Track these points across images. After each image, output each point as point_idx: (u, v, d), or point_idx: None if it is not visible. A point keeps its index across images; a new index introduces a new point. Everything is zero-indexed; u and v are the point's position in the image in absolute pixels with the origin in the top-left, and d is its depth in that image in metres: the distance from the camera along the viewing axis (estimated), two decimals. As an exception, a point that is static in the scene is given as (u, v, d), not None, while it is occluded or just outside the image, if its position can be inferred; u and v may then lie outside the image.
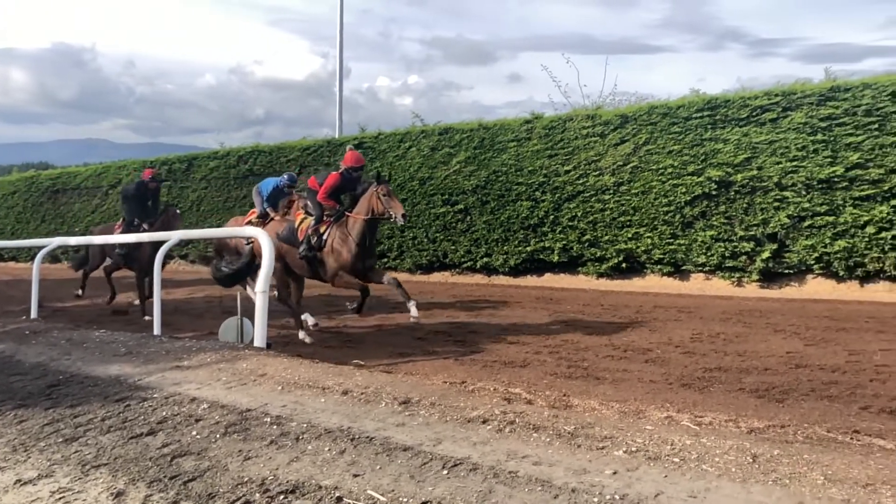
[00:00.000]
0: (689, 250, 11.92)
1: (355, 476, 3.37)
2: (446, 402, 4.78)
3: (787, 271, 11.21)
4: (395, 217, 7.30)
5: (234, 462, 3.50)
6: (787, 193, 10.95)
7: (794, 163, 10.95)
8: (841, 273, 10.69)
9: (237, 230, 8.30)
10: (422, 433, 4.12)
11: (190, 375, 5.27)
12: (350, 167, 7.76)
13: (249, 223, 9.85)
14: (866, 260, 10.45)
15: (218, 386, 4.93)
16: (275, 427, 4.06)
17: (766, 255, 11.17)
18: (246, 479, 3.26)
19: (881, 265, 10.36)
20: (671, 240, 12.06)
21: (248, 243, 8.91)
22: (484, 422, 4.44)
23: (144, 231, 9.97)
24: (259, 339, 6.32)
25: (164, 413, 4.34)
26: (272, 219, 9.69)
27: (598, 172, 12.82)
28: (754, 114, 11.45)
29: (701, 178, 11.64)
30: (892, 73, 10.83)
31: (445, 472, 3.59)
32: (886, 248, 10.26)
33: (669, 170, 11.94)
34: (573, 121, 13.42)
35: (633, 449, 3.99)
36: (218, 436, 3.89)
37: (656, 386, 5.60)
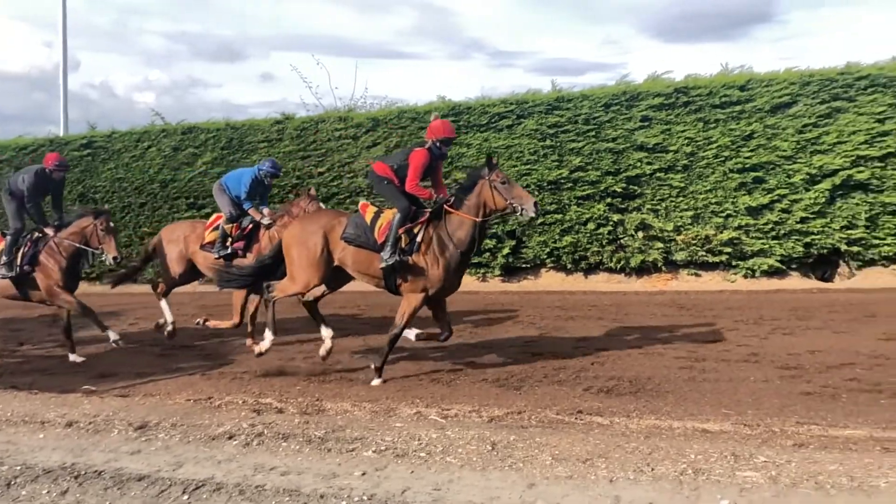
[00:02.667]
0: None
1: (76, 518, 3.02)
2: (189, 422, 4.49)
3: (524, 266, 12.20)
4: (525, 210, 5.76)
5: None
6: (522, 194, 11.93)
7: (528, 166, 11.95)
8: (569, 266, 11.87)
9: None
10: (160, 458, 3.82)
11: None
12: (440, 139, 6.06)
13: (238, 232, 7.73)
14: (588, 253, 11.71)
15: None
16: (-24, 473, 3.52)
17: (506, 251, 12.04)
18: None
19: (600, 258, 11.69)
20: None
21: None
22: (230, 437, 4.23)
23: (42, 241, 7.33)
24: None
25: None
26: (270, 226, 7.59)
27: (352, 175, 12.93)
28: (493, 120, 12.30)
29: (448, 181, 12.22)
30: (606, 87, 12.26)
31: (186, 496, 3.36)
32: (604, 242, 11.60)
33: (418, 172, 12.42)
34: (325, 122, 13.40)
35: (383, 448, 4.05)
36: None
37: (408, 382, 5.77)
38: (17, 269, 7.13)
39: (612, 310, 9.08)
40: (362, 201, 6.54)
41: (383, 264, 5.80)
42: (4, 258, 7.22)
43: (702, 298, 9.87)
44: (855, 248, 10.63)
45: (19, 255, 7.20)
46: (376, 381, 5.78)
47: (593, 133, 11.78)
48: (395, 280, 5.93)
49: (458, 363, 6.35)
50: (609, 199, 11.60)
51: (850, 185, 10.64)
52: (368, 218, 6.06)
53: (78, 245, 7.18)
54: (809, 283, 10.77)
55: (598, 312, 8.87)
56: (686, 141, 11.30)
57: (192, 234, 7.90)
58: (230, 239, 7.64)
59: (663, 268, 11.46)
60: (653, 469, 3.63)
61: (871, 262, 10.71)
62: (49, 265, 7.16)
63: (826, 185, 10.67)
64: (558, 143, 11.91)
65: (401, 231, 5.83)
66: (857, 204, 10.56)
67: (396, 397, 5.27)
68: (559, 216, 11.81)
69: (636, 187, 11.52)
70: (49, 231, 7.33)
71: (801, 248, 10.74)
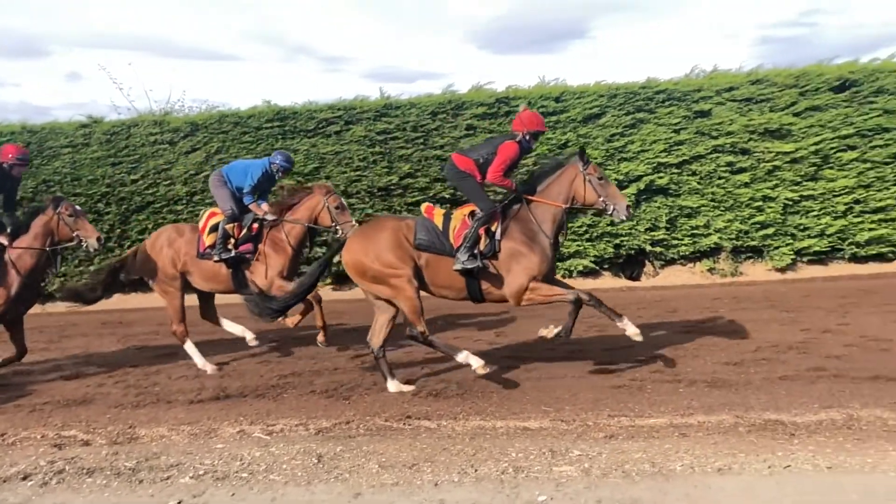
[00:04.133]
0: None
1: None
2: (-27, 463, 4.00)
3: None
4: (617, 211, 5.52)
5: None
6: (353, 200, 11.85)
7: (358, 172, 11.90)
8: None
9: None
10: (-67, 508, 3.36)
11: None
12: (532, 132, 5.67)
13: (239, 232, 6.89)
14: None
15: None
16: None
17: (336, 258, 11.89)
18: None
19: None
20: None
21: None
22: (25, 478, 3.82)
23: None
24: None
25: None
26: (277, 221, 6.93)
27: (169, 182, 12.18)
28: (321, 126, 12.11)
29: (274, 187, 11.86)
30: (432, 95, 12.50)
31: (-36, 550, 2.98)
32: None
33: (244, 179, 11.95)
34: (139, 126, 12.52)
35: (202, 472, 3.84)
36: None
37: (231, 400, 5.50)
38: None
39: (444, 307, 9.23)
40: (426, 204, 6.04)
41: (458, 267, 5.39)
42: None
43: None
44: (658, 249, 11.62)
45: None
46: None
47: (422, 140, 11.96)
48: (478, 286, 5.54)
49: (286, 376, 6.16)
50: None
51: (653, 190, 11.60)
52: (439, 221, 5.65)
53: (46, 248, 6.16)
54: (620, 282, 11.60)
55: (431, 314, 8.97)
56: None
57: (180, 239, 6.95)
58: (233, 241, 6.85)
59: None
60: (476, 470, 3.72)
61: (672, 262, 11.77)
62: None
63: (632, 189, 11.55)
64: (388, 150, 11.97)
65: (476, 229, 5.45)
66: (659, 207, 11.54)
67: (218, 417, 5.01)
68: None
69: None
70: (3, 239, 6.15)
71: (612, 249, 11.55)
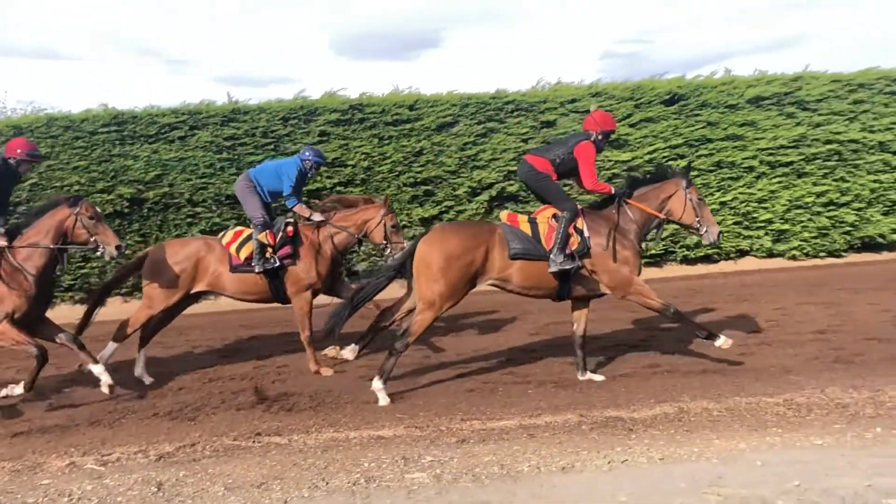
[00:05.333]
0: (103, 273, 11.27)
1: None
2: None
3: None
4: (709, 233, 5.75)
5: None
6: (198, 209, 11.32)
7: (204, 179, 11.37)
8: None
9: None
10: None
11: None
12: (605, 131, 5.86)
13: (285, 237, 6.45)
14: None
15: None
16: None
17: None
18: None
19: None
20: (81, 263, 11.13)
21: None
22: None
23: None
24: None
25: None
26: (324, 223, 6.61)
27: (-11, 190, 11.09)
28: (163, 131, 11.47)
29: (112, 196, 11.11)
30: (283, 100, 12.19)
31: None
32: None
33: (76, 187, 11.07)
34: (-51, 129, 11.33)
35: (20, 513, 3.49)
36: None
37: (61, 431, 5.03)
38: None
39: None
40: (508, 212, 5.93)
41: (555, 268, 5.39)
42: None
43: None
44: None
45: None
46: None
47: (272, 146, 11.64)
48: (569, 286, 5.56)
49: (125, 400, 5.74)
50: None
51: (504, 197, 11.98)
52: (526, 228, 5.57)
53: (54, 246, 5.58)
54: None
55: (283, 328, 8.74)
56: (363, 156, 11.74)
57: (211, 255, 6.45)
58: (271, 248, 6.42)
59: (346, 279, 11.71)
60: (328, 483, 3.65)
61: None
62: (4, 291, 5.42)
63: (485, 196, 11.87)
64: (236, 157, 11.55)
65: (565, 229, 5.46)
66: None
67: (46, 450, 4.57)
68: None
69: (317, 200, 11.60)
70: (0, 241, 5.51)
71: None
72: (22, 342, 5.42)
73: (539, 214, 5.75)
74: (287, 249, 6.47)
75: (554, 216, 5.63)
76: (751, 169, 12.39)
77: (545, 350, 6.78)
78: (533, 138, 12.08)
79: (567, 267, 5.43)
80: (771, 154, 12.25)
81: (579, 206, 5.77)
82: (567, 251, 5.45)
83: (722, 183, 12.32)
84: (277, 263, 6.41)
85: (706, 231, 5.78)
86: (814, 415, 4.39)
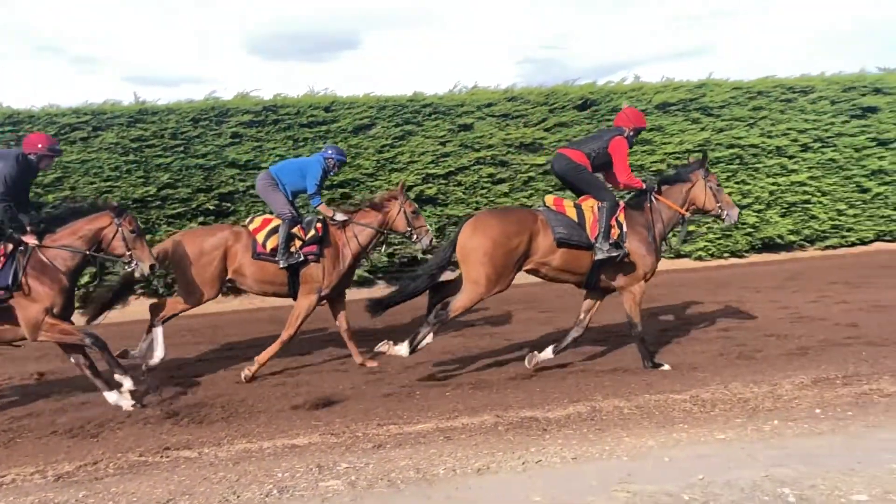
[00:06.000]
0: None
1: None
2: None
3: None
4: (729, 216, 6.13)
5: None
6: (105, 214, 10.84)
7: (109, 182, 10.88)
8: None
9: None
10: None
11: None
12: (638, 128, 6.08)
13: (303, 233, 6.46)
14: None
15: None
16: None
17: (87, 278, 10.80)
18: None
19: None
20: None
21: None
22: None
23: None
24: None
25: None
26: (346, 223, 6.62)
27: None
28: (64, 132, 10.92)
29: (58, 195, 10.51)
30: (194, 101, 11.81)
31: None
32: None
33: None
34: None
35: None
36: None
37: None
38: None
39: (208, 332, 8.75)
40: (554, 196, 6.08)
41: (602, 256, 5.56)
42: None
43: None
44: (429, 257, 11.97)
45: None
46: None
47: (182, 148, 11.28)
48: (598, 276, 5.73)
49: (20, 418, 5.39)
50: (202, 218, 11.19)
51: (423, 200, 11.98)
52: (572, 213, 5.71)
53: (89, 253, 5.48)
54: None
55: (194, 336, 8.47)
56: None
57: (237, 243, 6.36)
58: (300, 241, 6.37)
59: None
60: (238, 496, 3.55)
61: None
62: (38, 287, 5.27)
63: (403, 199, 11.85)
64: (143, 159, 11.12)
65: (607, 220, 5.63)
66: (429, 217, 11.93)
67: (-72, 473, 4.25)
68: (147, 237, 10.99)
69: (230, 204, 11.35)
70: (30, 239, 5.36)
71: (385, 259, 11.73)
72: (71, 333, 5.35)
73: (583, 202, 5.86)
74: (314, 248, 6.43)
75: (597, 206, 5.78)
76: (659, 173, 12.82)
77: (463, 351, 6.81)
78: (451, 141, 12.17)
79: (614, 254, 5.60)
80: (677, 158, 12.73)
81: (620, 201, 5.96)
82: (610, 240, 5.63)
83: (632, 186, 12.72)
84: (301, 258, 6.36)
85: (727, 214, 6.11)
86: (717, 410, 4.57)
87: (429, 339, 5.65)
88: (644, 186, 6.05)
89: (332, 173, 7.12)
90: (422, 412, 4.98)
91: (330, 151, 6.95)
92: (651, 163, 12.79)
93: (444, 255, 5.82)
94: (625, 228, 5.75)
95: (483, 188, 12.34)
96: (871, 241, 13.86)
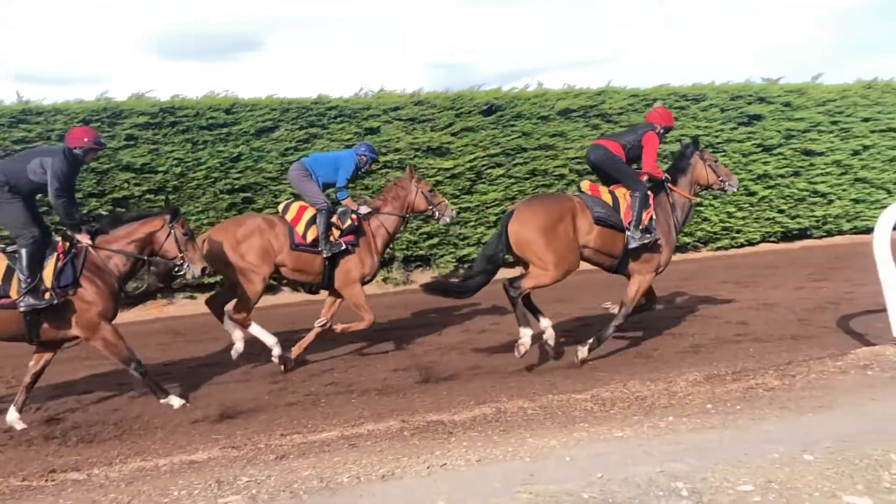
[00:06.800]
0: None
1: None
2: None
3: None
4: (731, 186, 6.58)
5: None
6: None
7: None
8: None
9: None
10: None
11: None
12: (668, 126, 6.47)
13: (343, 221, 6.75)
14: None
15: None
16: None
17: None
18: None
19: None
20: None
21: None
22: None
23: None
24: None
25: None
26: (371, 214, 6.95)
27: None
28: (-63, 132, 10.17)
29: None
30: (84, 102, 11.17)
31: None
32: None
33: None
34: None
35: None
36: None
37: None
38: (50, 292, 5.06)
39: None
40: (589, 182, 6.35)
41: (636, 244, 5.90)
42: (26, 281, 5.01)
43: (196, 322, 9.57)
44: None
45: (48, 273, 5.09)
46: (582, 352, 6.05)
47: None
48: (628, 261, 6.07)
49: None
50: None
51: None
52: (607, 198, 6.05)
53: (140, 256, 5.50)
54: (300, 296, 11.56)
55: (78, 350, 7.99)
56: (175, 161, 11.08)
57: (273, 232, 6.53)
58: (339, 231, 6.63)
59: (159, 295, 10.97)
60: (131, 519, 3.37)
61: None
62: (93, 289, 5.24)
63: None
64: (28, 161, 10.45)
65: (640, 209, 5.94)
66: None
67: None
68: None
69: (123, 210, 10.83)
70: (83, 238, 5.33)
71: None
72: (120, 351, 5.38)
73: (617, 189, 6.17)
74: (351, 237, 6.70)
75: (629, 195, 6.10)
76: (562, 177, 13.16)
77: (369, 358, 6.76)
78: (357, 145, 12.02)
79: (646, 241, 5.97)
80: (579, 163, 13.08)
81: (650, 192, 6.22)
82: (641, 227, 5.96)
83: (536, 190, 12.97)
84: (344, 247, 6.60)
85: (729, 184, 6.56)
86: (616, 408, 4.71)
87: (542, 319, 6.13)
88: (665, 177, 6.39)
89: (363, 170, 7.38)
90: (326, 420, 4.91)
91: (363, 149, 7.23)
92: (554, 167, 13.09)
93: (495, 250, 5.98)
94: (654, 218, 6.13)
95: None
96: (758, 243, 14.66)
